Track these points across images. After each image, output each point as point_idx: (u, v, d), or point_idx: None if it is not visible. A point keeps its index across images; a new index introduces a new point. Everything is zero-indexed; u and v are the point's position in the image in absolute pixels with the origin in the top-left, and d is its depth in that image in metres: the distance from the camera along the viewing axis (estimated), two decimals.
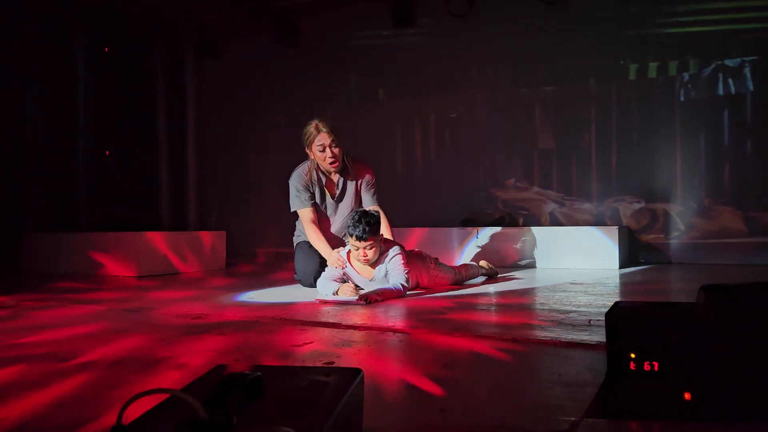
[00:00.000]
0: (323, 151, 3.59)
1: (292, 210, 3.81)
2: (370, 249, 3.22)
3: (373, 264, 3.30)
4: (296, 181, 3.74)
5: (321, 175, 3.75)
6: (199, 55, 7.26)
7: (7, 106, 6.04)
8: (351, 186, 3.80)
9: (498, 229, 5.37)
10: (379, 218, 3.30)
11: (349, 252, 3.37)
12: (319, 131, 3.59)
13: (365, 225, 3.16)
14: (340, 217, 3.82)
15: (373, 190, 3.84)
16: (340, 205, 3.82)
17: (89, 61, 6.54)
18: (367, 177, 3.83)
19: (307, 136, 3.63)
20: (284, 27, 6.79)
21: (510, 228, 5.46)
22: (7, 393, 1.52)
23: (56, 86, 6.41)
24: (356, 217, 3.22)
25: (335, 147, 3.61)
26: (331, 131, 3.59)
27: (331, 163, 3.65)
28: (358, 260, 3.28)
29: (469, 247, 5.32)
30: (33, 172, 6.28)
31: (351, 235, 3.21)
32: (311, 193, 3.74)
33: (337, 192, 3.79)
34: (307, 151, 3.70)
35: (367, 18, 6.57)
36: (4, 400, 1.46)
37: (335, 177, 3.77)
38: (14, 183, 6.14)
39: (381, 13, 6.42)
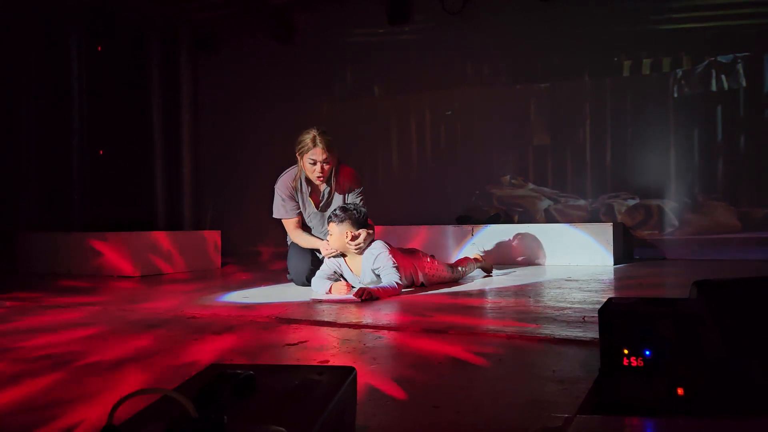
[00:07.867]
0: (314, 164, 3.53)
1: (273, 216, 3.76)
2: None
3: (356, 264, 3.34)
4: (282, 191, 3.69)
5: (306, 185, 3.71)
6: (194, 51, 7.23)
7: (1, 104, 6.01)
8: (337, 196, 3.76)
9: (493, 226, 5.37)
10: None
11: (345, 255, 3.39)
12: (315, 145, 3.48)
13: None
14: (324, 226, 3.78)
15: (359, 200, 3.76)
16: (325, 214, 3.78)
17: (83, 58, 6.51)
18: (354, 188, 3.75)
19: (301, 146, 3.53)
20: (279, 23, 6.78)
21: (505, 225, 5.46)
22: (9, 396, 1.51)
23: (50, 84, 6.38)
24: None
25: (326, 164, 3.54)
26: (327, 148, 3.50)
27: (317, 177, 3.60)
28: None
29: (466, 246, 5.31)
30: (27, 170, 6.25)
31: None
32: (296, 202, 3.71)
33: (322, 201, 3.75)
34: (298, 156, 3.62)
35: (362, 15, 6.56)
36: (5, 403, 1.45)
37: (321, 187, 3.71)
38: (8, 181, 6.11)
39: (376, 10, 6.42)
